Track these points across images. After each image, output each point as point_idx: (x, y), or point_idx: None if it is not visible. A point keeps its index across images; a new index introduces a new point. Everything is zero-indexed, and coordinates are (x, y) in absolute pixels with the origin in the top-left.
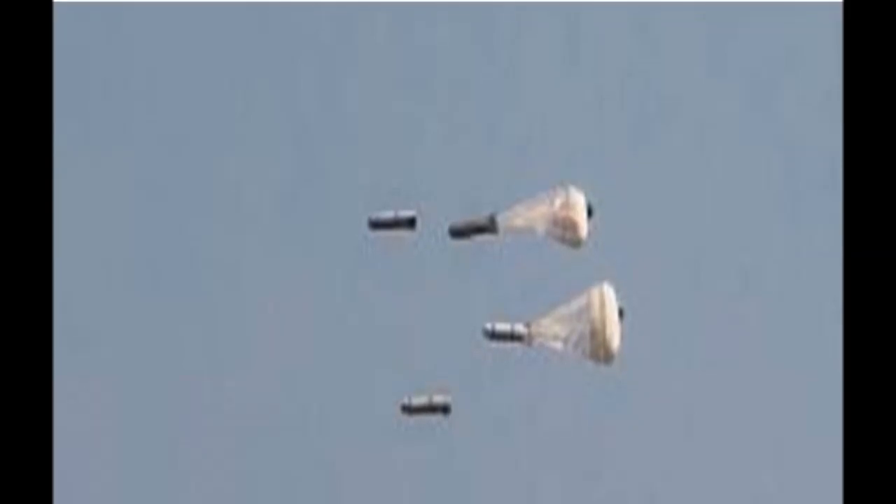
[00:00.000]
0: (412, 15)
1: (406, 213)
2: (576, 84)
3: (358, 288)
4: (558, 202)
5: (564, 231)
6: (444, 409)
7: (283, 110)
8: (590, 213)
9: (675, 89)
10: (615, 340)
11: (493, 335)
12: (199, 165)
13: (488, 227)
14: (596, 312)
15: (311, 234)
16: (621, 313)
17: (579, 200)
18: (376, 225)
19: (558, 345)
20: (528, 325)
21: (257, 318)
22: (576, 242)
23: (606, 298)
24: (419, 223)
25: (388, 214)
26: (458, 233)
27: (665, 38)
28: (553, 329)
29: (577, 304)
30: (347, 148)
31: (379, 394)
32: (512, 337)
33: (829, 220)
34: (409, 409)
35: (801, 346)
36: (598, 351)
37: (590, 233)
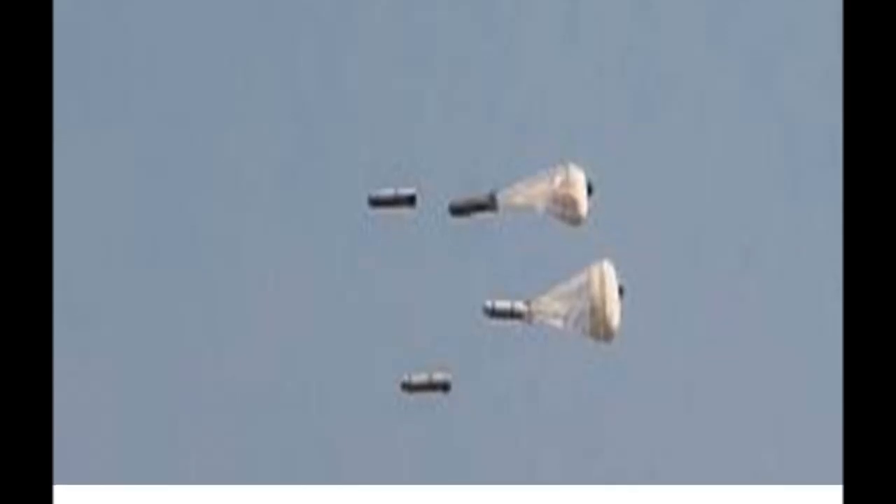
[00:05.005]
0: None
1: (406, 191)
2: (576, 61)
3: (358, 265)
4: (558, 180)
5: (564, 208)
6: (444, 387)
7: (284, 88)
8: (590, 190)
9: (675, 67)
10: (615, 318)
11: (493, 313)
12: (199, 143)
13: (488, 205)
14: (596, 290)
15: (312, 211)
16: (621, 291)
17: (579, 178)
18: (376, 202)
19: (558, 322)
20: (527, 302)
21: (258, 295)
22: (576, 220)
23: (606, 276)
24: (419, 201)
25: (388, 192)
26: (458, 210)
27: (665, 16)
28: (553, 306)
29: (577, 281)
30: (347, 126)
31: (379, 371)
32: (512, 314)
33: (829, 197)
34: (409, 387)
35: (801, 323)
36: (598, 328)
37: (590, 210)
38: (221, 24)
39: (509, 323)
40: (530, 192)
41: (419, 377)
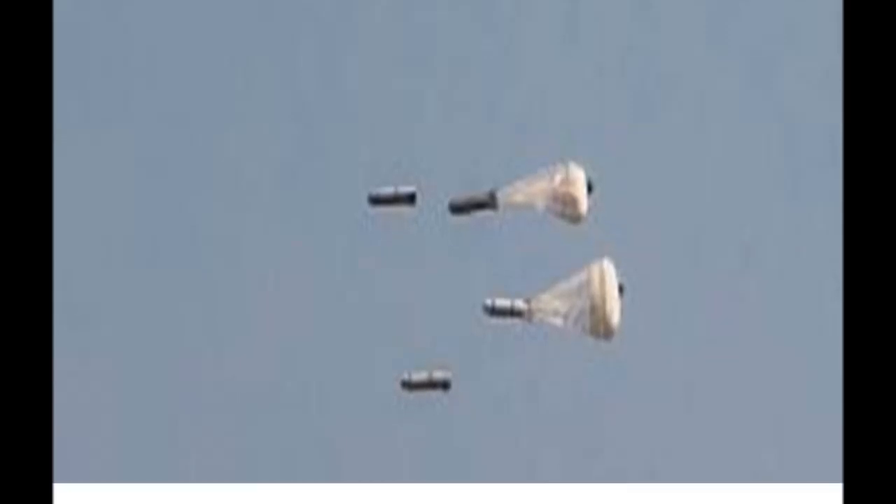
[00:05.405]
0: None
1: (406, 189)
2: (576, 60)
3: (358, 264)
4: (558, 178)
5: (564, 207)
6: (444, 385)
7: (284, 87)
8: (590, 188)
9: (675, 66)
10: (615, 316)
11: (493, 311)
12: (199, 143)
13: (488, 203)
14: (596, 288)
15: (312, 210)
16: (621, 289)
17: (579, 176)
18: (376, 201)
19: (558, 320)
20: (527, 300)
21: (257, 294)
22: (576, 218)
23: (606, 274)
24: (419, 199)
25: (388, 190)
26: (458, 209)
27: (665, 16)
28: (553, 305)
29: (577, 279)
30: (347, 124)
31: (379, 370)
32: (512, 313)
33: (829, 196)
34: (408, 385)
35: (801, 322)
36: (598, 326)
37: (590, 208)
38: (221, 23)
39: (509, 321)
40: (530, 191)
41: (419, 375)
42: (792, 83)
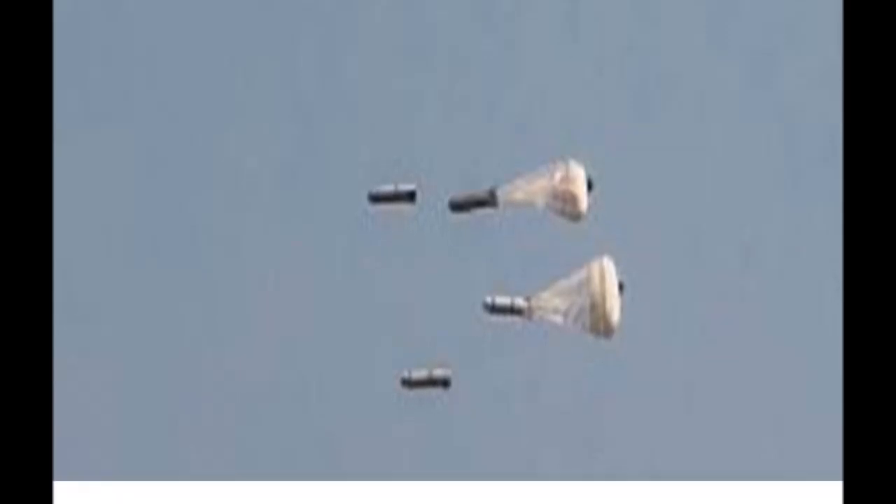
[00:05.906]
0: None
1: (406, 187)
2: (576, 59)
3: (358, 262)
4: (558, 176)
5: (564, 204)
6: (444, 383)
7: (284, 85)
8: (590, 186)
9: (675, 64)
10: (615, 314)
11: (494, 309)
12: (199, 140)
13: (488, 201)
14: (596, 286)
15: (312, 208)
16: (621, 287)
17: (579, 174)
18: (376, 199)
19: (558, 318)
20: (528, 298)
21: (258, 292)
22: (576, 216)
23: (606, 272)
24: (419, 197)
25: (388, 188)
26: (458, 206)
27: (665, 14)
28: (553, 302)
29: (577, 277)
30: (348, 122)
31: (379, 368)
32: (512, 310)
33: (829, 194)
34: (409, 383)
35: (801, 319)
36: (598, 324)
37: (590, 206)
38: (222, 21)
39: (509, 319)
40: (530, 188)
41: (419, 373)
42: (792, 82)
